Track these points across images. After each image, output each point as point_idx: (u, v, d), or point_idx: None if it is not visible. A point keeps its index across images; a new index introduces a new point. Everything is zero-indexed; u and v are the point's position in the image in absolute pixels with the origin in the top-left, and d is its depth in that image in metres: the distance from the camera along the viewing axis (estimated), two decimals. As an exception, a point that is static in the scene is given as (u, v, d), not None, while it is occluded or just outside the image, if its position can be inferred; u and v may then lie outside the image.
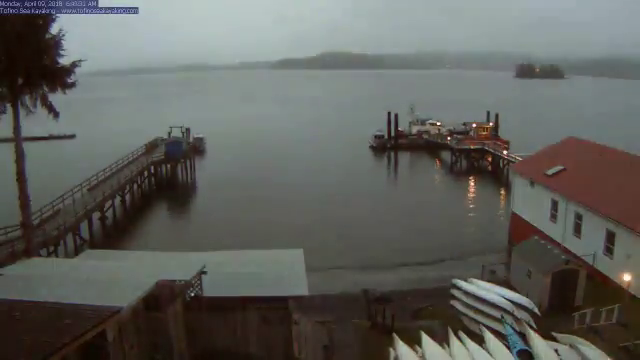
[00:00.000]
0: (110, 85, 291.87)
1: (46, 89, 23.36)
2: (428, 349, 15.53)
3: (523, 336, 16.40)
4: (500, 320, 18.50)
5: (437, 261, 33.84)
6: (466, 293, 21.79)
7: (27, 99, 23.15)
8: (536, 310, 19.52)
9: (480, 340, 15.97)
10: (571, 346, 15.10)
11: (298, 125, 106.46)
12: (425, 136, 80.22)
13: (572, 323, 20.59)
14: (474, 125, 77.52)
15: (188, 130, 75.72)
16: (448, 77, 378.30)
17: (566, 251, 26.73)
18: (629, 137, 62.05)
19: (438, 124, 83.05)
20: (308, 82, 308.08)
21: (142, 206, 51.43)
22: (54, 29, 22.89)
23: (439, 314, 23.36)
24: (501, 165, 64.67)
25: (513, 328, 17.28)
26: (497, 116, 78.34)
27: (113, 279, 14.87)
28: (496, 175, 63.70)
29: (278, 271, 17.78)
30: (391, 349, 16.35)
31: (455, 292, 22.67)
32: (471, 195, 54.38)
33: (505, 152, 63.61)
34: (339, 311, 24.85)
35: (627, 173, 28.46)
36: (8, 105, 22.93)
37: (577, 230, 28.71)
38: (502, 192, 52.46)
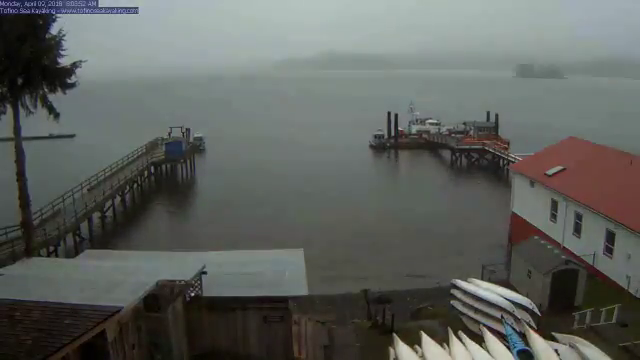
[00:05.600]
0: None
1: (46, 90, 23.34)
2: (428, 349, 15.51)
3: (523, 336, 16.39)
4: (500, 320, 18.49)
5: (437, 261, 33.81)
6: (466, 293, 21.76)
7: (27, 99, 23.12)
8: (536, 310, 19.50)
9: (480, 340, 15.95)
10: (571, 346, 15.08)
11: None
12: (425, 136, 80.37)
13: (572, 323, 20.58)
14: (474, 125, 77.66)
15: (188, 130, 75.86)
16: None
17: (566, 251, 26.73)
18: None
19: (437, 123, 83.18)
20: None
21: (142, 206, 51.44)
22: (54, 29, 22.89)
23: (439, 314, 23.35)
24: (501, 165, 64.78)
25: (513, 328, 17.26)
26: (497, 116, 78.37)
27: (113, 279, 14.86)
28: (496, 175, 63.72)
29: (278, 271, 17.77)
30: (391, 349, 16.33)
31: (455, 292, 22.64)
32: (471, 195, 54.33)
33: (505, 152, 63.79)
34: (339, 311, 24.88)
35: (627, 173, 28.47)
36: (8, 105, 22.91)
37: (577, 230, 28.72)
38: (502, 192, 52.35)
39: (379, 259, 34.27)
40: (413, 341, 16.45)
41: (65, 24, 22.86)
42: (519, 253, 25.95)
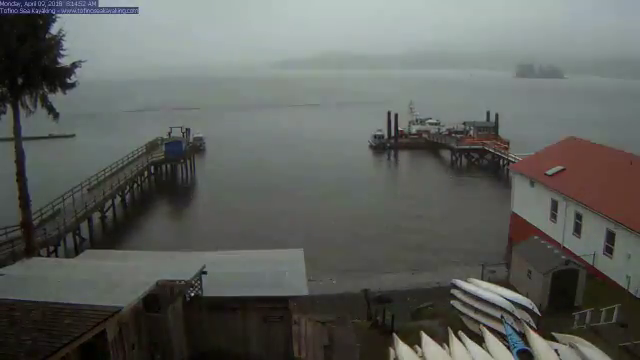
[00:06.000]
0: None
1: (46, 90, 23.37)
2: (428, 349, 15.51)
3: (523, 336, 16.39)
4: (500, 320, 18.49)
5: (437, 261, 33.82)
6: (466, 293, 21.76)
7: (27, 99, 23.16)
8: (536, 310, 19.49)
9: (480, 340, 15.95)
10: (571, 346, 15.08)
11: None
12: (425, 136, 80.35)
13: (572, 323, 20.58)
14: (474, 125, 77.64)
15: (188, 130, 75.91)
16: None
17: (566, 251, 26.73)
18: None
19: (437, 123, 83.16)
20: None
21: (142, 206, 51.43)
22: (54, 29, 22.93)
23: (439, 314, 23.35)
24: (501, 165, 64.78)
25: (513, 328, 17.27)
26: (497, 116, 78.34)
27: (113, 279, 14.87)
28: (496, 175, 63.73)
29: (278, 271, 17.77)
30: (391, 349, 16.33)
31: (455, 292, 22.65)
32: (471, 195, 54.34)
33: (505, 152, 63.81)
34: (339, 311, 24.86)
35: (627, 173, 28.47)
36: (8, 105, 22.94)
37: (577, 230, 28.72)
38: (502, 192, 52.39)
39: (379, 259, 34.28)
40: (413, 341, 16.46)
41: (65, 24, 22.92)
42: (519, 253, 25.95)
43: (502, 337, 16.45)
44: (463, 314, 21.54)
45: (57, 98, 24.10)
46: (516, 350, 15.13)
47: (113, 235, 41.34)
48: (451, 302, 22.73)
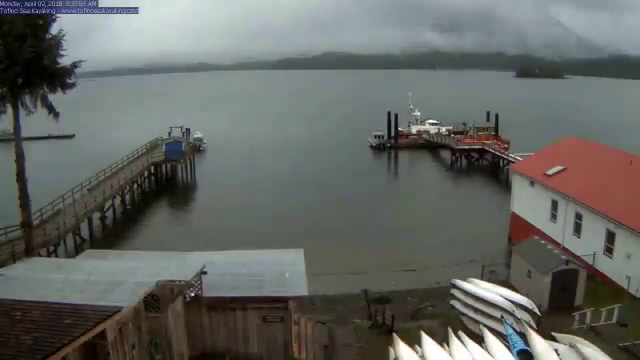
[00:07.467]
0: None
1: (46, 89, 23.38)
2: (428, 349, 15.51)
3: (523, 336, 16.38)
4: (500, 320, 18.48)
5: (437, 261, 33.78)
6: (466, 293, 21.75)
7: (27, 99, 23.17)
8: (536, 310, 19.48)
9: (480, 340, 15.95)
10: (571, 346, 15.07)
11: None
12: (425, 136, 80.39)
13: (572, 323, 20.58)
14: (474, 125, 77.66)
15: (188, 130, 75.98)
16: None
17: (566, 251, 26.72)
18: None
19: (437, 123, 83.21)
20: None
21: (142, 206, 51.42)
22: (54, 29, 22.95)
23: (439, 314, 23.35)
24: (501, 165, 64.77)
25: (513, 328, 17.26)
26: (497, 116, 78.33)
27: (113, 279, 14.85)
28: (496, 175, 63.72)
29: (278, 271, 17.80)
30: (391, 349, 16.33)
31: (455, 292, 22.63)
32: (471, 195, 54.33)
33: (505, 152, 63.82)
34: (339, 311, 24.87)
35: (627, 173, 28.47)
36: (8, 105, 22.96)
37: (577, 230, 28.72)
38: (502, 192, 52.42)
39: (379, 259, 34.23)
40: (413, 341, 16.44)
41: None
42: (519, 253, 25.94)
43: (502, 337, 16.45)
44: (463, 314, 21.54)
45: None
46: (516, 350, 15.14)
47: (113, 235, 41.33)
48: (451, 302, 22.71)
